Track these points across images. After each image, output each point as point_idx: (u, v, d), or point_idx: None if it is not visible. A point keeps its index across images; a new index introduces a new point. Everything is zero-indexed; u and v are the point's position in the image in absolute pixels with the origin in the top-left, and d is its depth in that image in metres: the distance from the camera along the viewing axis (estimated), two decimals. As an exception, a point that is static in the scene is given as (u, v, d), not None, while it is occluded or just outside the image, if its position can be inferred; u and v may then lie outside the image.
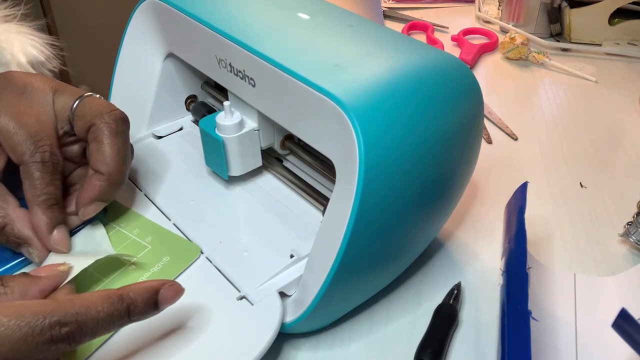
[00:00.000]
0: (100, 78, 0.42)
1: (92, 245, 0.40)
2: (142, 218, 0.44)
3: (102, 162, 0.39)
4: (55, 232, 0.38)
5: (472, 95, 0.39)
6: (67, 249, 0.38)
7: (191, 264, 0.40)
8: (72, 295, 0.34)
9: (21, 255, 0.39)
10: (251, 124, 0.44)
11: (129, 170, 0.41)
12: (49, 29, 1.33)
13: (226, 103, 0.43)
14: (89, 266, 0.37)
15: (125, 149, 0.40)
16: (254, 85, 0.40)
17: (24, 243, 0.38)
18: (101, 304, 0.29)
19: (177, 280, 0.39)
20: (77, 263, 0.37)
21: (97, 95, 0.41)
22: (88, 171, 0.40)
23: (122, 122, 0.40)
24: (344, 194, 0.33)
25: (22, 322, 0.27)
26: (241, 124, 0.43)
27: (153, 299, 0.31)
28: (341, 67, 0.36)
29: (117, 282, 0.38)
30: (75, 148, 0.42)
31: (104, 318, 0.29)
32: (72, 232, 0.40)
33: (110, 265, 0.39)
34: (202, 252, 0.41)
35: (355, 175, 0.32)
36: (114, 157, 0.39)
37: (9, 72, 0.42)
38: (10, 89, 0.40)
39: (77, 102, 0.40)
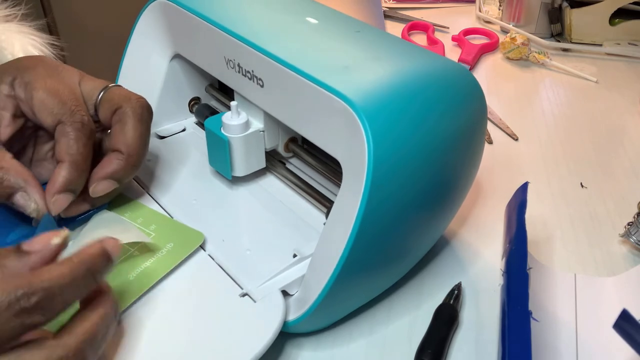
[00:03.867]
0: (101, 78, 0.43)
1: (109, 227, 0.40)
2: (145, 208, 0.44)
3: (123, 142, 0.40)
4: (62, 194, 0.37)
5: (475, 100, 0.39)
6: (56, 213, 0.38)
7: (194, 254, 0.40)
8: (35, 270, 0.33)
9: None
10: (257, 124, 0.44)
11: (145, 158, 0.42)
12: (49, 29, 1.33)
13: (233, 103, 0.43)
14: None
15: (147, 136, 0.41)
16: (262, 86, 0.40)
17: (18, 188, 0.37)
18: (64, 269, 0.29)
19: (180, 271, 0.39)
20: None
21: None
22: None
23: (147, 111, 0.41)
24: (351, 194, 0.33)
25: None
26: (247, 125, 0.44)
27: (104, 252, 0.31)
28: (350, 69, 0.36)
29: (122, 268, 0.38)
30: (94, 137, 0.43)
31: (69, 282, 0.29)
32: (79, 218, 0.41)
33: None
34: (204, 249, 0.41)
35: (363, 174, 0.32)
36: (136, 139, 0.40)
37: (40, 55, 0.43)
38: (43, 65, 0.41)
39: (104, 89, 0.41)
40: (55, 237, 0.32)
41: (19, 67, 0.40)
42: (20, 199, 0.37)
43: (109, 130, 0.42)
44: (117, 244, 0.32)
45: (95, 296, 0.32)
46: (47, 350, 0.27)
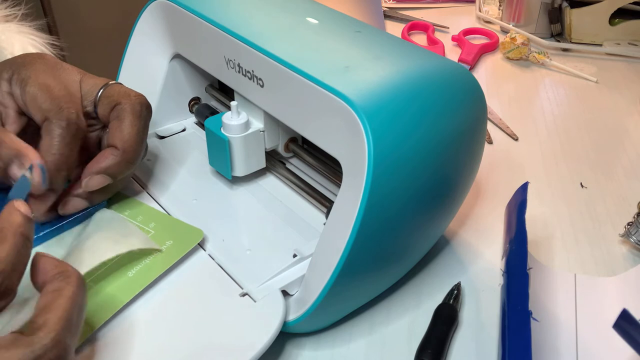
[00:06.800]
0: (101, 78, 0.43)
1: (113, 228, 0.40)
2: (145, 206, 0.44)
3: (119, 138, 0.40)
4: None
5: (475, 100, 0.39)
6: (42, 218, 0.38)
7: (194, 253, 0.40)
8: None
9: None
10: (257, 124, 0.44)
11: (142, 155, 0.42)
12: (49, 29, 1.33)
13: (233, 103, 0.43)
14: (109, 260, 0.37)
15: (144, 133, 0.41)
16: (262, 86, 0.40)
17: (16, 156, 0.36)
18: (7, 247, 0.29)
19: (180, 271, 0.39)
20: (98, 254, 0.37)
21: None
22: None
23: (145, 108, 0.41)
24: (351, 193, 0.33)
25: None
26: (247, 125, 0.44)
27: (24, 215, 0.31)
28: (350, 69, 0.36)
29: (121, 265, 0.38)
30: (92, 136, 0.43)
31: (16, 255, 0.29)
32: (78, 215, 0.41)
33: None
34: (204, 249, 0.41)
35: (363, 174, 0.33)
36: (133, 135, 0.40)
37: (42, 53, 0.43)
38: (42, 62, 0.41)
39: (104, 86, 0.41)
40: None
41: (18, 64, 0.40)
42: (15, 170, 0.36)
43: (108, 128, 0.41)
44: (24, 204, 0.31)
45: (58, 276, 0.30)
46: (24, 349, 0.26)
